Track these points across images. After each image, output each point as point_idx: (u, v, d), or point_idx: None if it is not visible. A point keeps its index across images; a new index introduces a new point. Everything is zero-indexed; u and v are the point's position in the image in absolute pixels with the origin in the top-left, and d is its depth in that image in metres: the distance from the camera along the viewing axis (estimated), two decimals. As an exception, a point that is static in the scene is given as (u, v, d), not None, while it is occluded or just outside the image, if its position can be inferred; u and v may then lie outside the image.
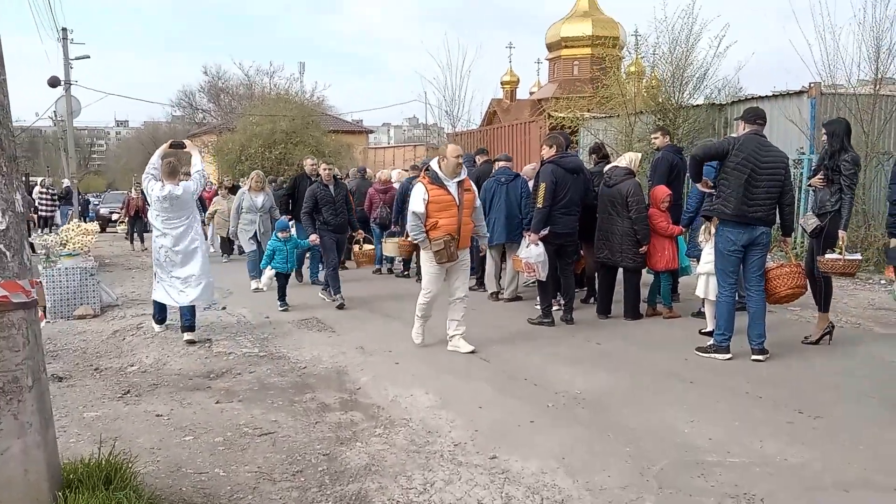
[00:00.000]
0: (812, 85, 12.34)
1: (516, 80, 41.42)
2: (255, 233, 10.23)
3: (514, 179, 8.46)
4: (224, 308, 8.59)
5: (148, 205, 7.09)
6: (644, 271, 7.51)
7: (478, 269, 9.11)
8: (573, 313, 7.26)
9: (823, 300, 6.10)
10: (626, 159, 7.30)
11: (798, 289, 5.69)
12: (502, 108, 37.64)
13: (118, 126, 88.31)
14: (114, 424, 4.61)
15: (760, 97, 13.08)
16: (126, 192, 20.70)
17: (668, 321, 7.26)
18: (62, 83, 24.70)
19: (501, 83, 41.49)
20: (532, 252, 6.83)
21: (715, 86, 14.70)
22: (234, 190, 14.42)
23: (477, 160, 10.19)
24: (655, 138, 8.25)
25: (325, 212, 8.56)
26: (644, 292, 7.55)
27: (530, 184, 8.23)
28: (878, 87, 10.70)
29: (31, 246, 9.06)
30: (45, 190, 18.82)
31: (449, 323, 6.30)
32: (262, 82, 38.20)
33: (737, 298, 5.81)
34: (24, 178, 26.88)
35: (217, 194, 15.04)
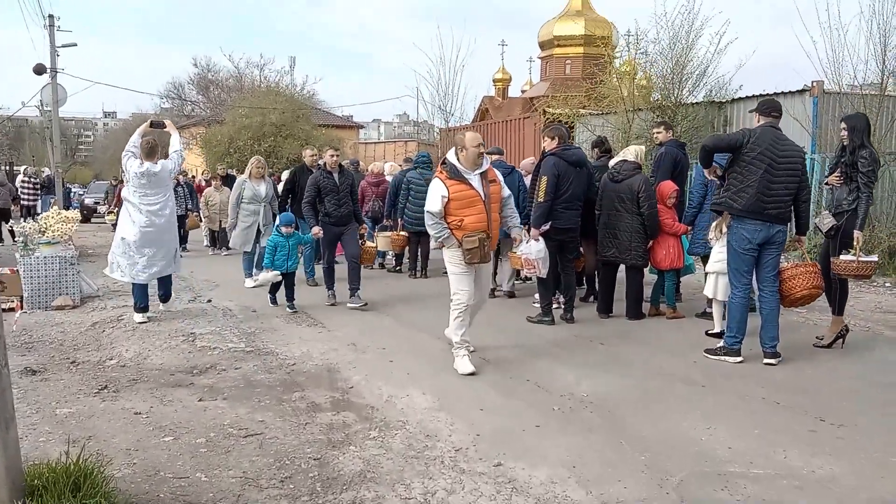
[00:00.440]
0: (815, 83, 12.16)
1: (508, 78, 41.18)
2: (258, 228, 9.15)
3: (510, 174, 8.16)
4: (209, 301, 8.26)
5: (126, 182, 7.28)
6: (646, 270, 7.25)
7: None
8: (574, 312, 6.98)
9: (838, 302, 5.86)
10: (633, 153, 7.02)
11: (815, 290, 5.43)
12: (494, 105, 37.37)
13: (106, 117, 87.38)
14: (88, 422, 4.30)
15: (761, 95, 12.87)
16: (110, 181, 20.19)
17: (672, 321, 6.99)
18: (48, 70, 24.22)
19: (493, 81, 41.21)
20: (533, 248, 6.51)
21: (716, 83, 14.44)
22: (227, 180, 13.89)
23: None
24: (658, 133, 7.97)
25: (327, 202, 7.84)
26: (646, 291, 7.29)
27: (527, 179, 7.95)
28: (884, 85, 10.50)
29: (12, 233, 8.73)
30: (27, 179, 18.36)
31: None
32: (252, 75, 37.77)
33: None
34: (7, 168, 26.43)
35: (210, 185, 14.57)
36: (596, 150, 8.20)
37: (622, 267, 7.20)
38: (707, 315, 6.90)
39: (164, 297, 7.52)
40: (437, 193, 5.34)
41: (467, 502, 3.25)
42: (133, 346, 6.11)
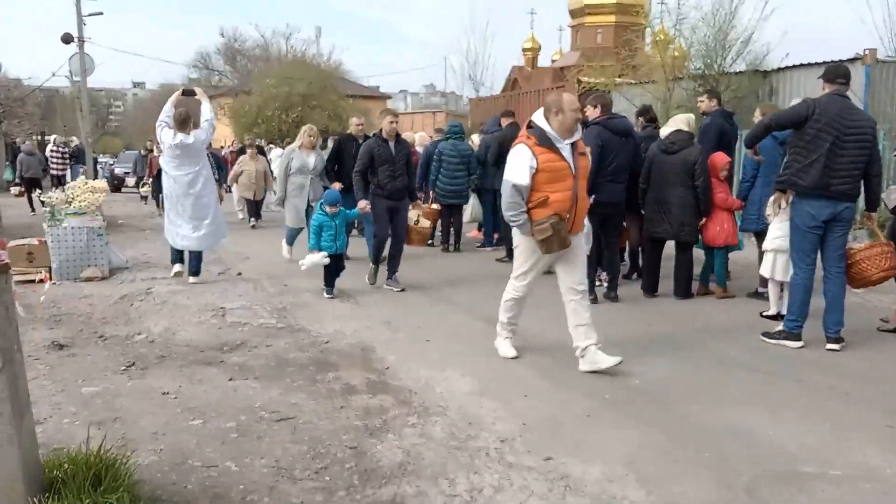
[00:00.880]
0: (867, 52, 11.53)
1: (538, 48, 40.38)
2: (308, 203, 8.54)
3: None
4: (240, 274, 8.07)
5: (160, 152, 7.47)
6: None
7: (508, 239, 8.47)
8: (618, 290, 6.66)
9: (905, 284, 5.47)
10: (685, 122, 6.60)
11: (891, 270, 5.05)
12: (524, 75, 36.69)
13: (135, 87, 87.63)
14: (115, 402, 4.10)
15: (809, 64, 12.27)
16: (140, 151, 20.00)
17: (722, 301, 6.63)
18: (75, 40, 24.13)
19: (523, 50, 40.45)
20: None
21: (760, 51, 13.79)
22: (261, 151, 13.55)
23: (502, 122, 9.53)
24: (702, 101, 7.51)
25: (380, 173, 7.04)
26: (694, 269, 6.92)
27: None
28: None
29: (43, 203, 8.61)
30: (56, 148, 18.32)
31: (574, 331, 4.73)
32: (279, 44, 37.48)
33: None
34: (39, 137, 26.50)
35: (245, 153, 14.20)
36: (641, 119, 7.76)
37: (668, 244, 6.84)
38: (759, 295, 6.53)
39: (195, 271, 7.54)
40: (524, 163, 4.50)
41: (517, 501, 2.99)
42: (162, 321, 5.93)
